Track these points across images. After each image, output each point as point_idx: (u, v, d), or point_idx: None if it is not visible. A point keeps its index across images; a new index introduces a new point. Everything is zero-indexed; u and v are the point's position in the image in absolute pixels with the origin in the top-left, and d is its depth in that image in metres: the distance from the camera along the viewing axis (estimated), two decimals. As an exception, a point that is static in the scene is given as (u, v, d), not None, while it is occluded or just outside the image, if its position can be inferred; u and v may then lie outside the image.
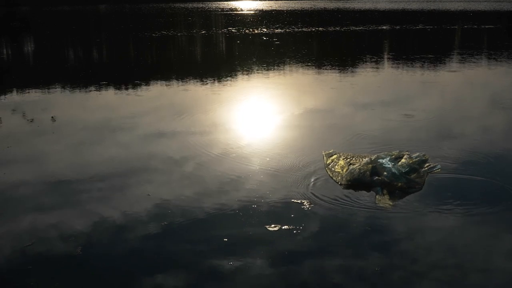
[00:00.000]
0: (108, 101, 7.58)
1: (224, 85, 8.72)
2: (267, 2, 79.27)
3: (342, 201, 3.63)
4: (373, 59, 11.98)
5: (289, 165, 4.38)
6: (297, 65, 11.06)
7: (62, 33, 22.59)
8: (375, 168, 3.93)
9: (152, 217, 3.42)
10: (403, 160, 4.06)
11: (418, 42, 16.93)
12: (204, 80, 9.24)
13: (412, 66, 10.69)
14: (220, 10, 47.43)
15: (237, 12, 42.28)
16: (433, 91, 8.02)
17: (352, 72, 10.11)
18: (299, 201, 3.62)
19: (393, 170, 3.90)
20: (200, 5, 67.65)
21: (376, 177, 3.86)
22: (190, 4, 71.16)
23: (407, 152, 4.26)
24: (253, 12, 41.97)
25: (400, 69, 10.44)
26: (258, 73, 9.93)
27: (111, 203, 3.68)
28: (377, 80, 9.21)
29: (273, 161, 4.50)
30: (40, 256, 2.95)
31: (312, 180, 4.03)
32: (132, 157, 4.73)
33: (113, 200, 3.73)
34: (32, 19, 36.18)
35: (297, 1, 79.06)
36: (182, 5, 65.61)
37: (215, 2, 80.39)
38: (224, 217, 3.43)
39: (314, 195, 3.73)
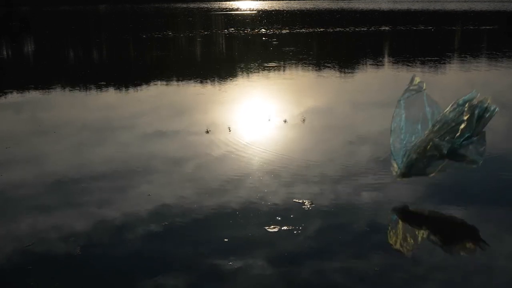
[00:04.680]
0: (108, 101, 7.57)
1: (224, 85, 8.72)
2: (268, 2, 79.26)
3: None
4: (372, 60, 11.98)
5: (290, 165, 4.38)
6: (296, 65, 11.05)
7: (61, 33, 22.59)
8: (435, 149, 3.52)
9: (152, 217, 3.42)
10: (462, 126, 3.47)
11: (419, 43, 16.91)
12: (204, 80, 9.24)
13: (411, 67, 10.68)
14: (220, 10, 47.43)
15: (237, 12, 42.28)
16: (432, 91, 8.01)
17: (352, 73, 10.11)
18: (300, 201, 3.61)
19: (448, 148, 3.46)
20: (201, 5, 67.65)
21: (430, 167, 3.56)
22: (192, 4, 71.17)
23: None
24: (253, 12, 41.97)
25: (399, 70, 10.43)
26: (257, 73, 9.93)
27: (111, 203, 3.67)
28: (376, 81, 9.21)
29: (274, 161, 4.49)
30: (40, 256, 2.94)
31: (316, 180, 4.02)
32: (132, 157, 4.72)
33: (113, 200, 3.73)
34: (32, 19, 36.17)
35: (299, 1, 79.01)
36: (183, 5, 65.59)
37: (216, 2, 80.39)
38: (225, 217, 3.42)
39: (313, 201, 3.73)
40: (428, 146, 3.54)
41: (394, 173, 3.72)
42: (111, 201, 3.71)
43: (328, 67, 10.82)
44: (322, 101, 7.29)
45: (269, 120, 6.04)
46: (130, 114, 6.58)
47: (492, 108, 3.44)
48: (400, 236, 3.18)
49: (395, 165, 3.71)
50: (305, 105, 6.86)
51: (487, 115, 3.43)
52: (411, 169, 3.62)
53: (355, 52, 13.92)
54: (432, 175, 3.62)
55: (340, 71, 10.26)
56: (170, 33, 20.59)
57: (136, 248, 3.03)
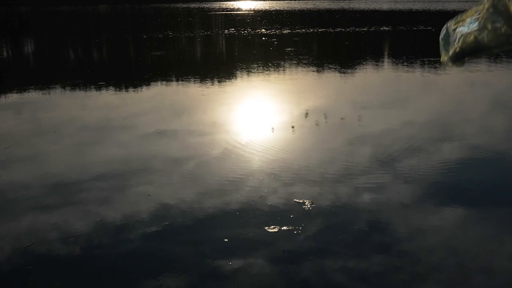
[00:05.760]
0: (108, 101, 7.57)
1: (224, 85, 8.72)
2: (268, 2, 79.22)
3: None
4: (373, 60, 11.98)
5: (290, 164, 4.38)
6: (297, 65, 11.04)
7: (61, 33, 22.59)
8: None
9: (152, 218, 3.42)
10: None
11: (419, 43, 16.91)
12: (204, 80, 9.23)
13: (411, 67, 10.69)
14: (220, 10, 47.42)
15: (238, 12, 42.28)
16: (432, 91, 8.01)
17: (352, 73, 10.10)
18: (300, 201, 3.61)
19: None
20: (201, 5, 67.63)
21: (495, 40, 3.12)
22: (192, 4, 71.14)
23: None
24: (254, 12, 41.97)
25: (399, 70, 10.43)
26: (257, 73, 9.93)
27: (111, 203, 3.67)
28: (376, 81, 9.20)
29: (274, 161, 4.49)
30: (40, 256, 2.94)
31: (317, 179, 4.02)
32: (132, 157, 4.72)
33: (114, 200, 3.72)
34: (32, 19, 36.16)
35: (299, 1, 78.95)
36: (183, 5, 65.57)
37: (216, 2, 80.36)
38: (225, 217, 3.42)
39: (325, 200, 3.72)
40: (489, 23, 3.12)
41: (444, 61, 3.28)
42: (111, 201, 3.71)
43: (329, 67, 10.82)
44: (322, 101, 7.28)
45: (269, 120, 6.04)
46: (130, 114, 6.58)
47: None
48: None
49: (444, 55, 3.25)
50: (306, 105, 6.85)
51: None
52: (468, 48, 3.09)
53: (356, 52, 13.92)
54: (497, 50, 3.15)
55: (340, 71, 10.25)
56: (170, 33, 20.58)
57: (136, 248, 3.03)
